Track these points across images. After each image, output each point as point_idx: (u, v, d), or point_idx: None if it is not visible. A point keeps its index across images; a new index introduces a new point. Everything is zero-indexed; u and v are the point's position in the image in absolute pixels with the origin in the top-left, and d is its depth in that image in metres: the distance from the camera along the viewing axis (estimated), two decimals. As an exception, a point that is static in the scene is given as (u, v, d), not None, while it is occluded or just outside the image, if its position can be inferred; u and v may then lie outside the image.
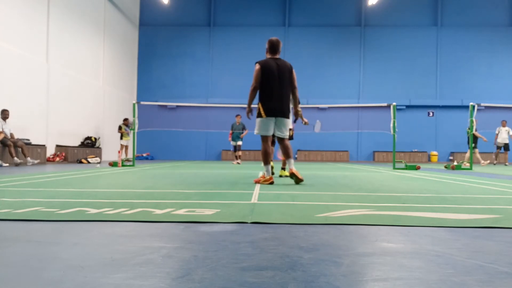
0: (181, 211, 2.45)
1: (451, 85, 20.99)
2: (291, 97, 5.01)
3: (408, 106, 20.87)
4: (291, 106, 5.16)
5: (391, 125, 9.75)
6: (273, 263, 1.36)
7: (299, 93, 6.76)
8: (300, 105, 5.59)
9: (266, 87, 4.72)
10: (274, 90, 4.70)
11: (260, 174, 5.96)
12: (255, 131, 4.88)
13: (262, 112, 4.72)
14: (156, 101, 19.24)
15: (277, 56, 4.92)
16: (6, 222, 2.10)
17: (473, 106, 9.64)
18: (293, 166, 4.78)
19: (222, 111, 19.52)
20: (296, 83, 5.00)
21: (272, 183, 4.60)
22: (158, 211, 2.45)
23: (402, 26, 21.21)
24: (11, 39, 11.01)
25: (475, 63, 21.00)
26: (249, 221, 2.15)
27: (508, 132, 15.04)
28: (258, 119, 4.79)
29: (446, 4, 21.23)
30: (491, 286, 1.16)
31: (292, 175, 4.67)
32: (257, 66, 4.77)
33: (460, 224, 2.15)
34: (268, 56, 4.92)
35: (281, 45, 4.96)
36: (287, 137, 4.92)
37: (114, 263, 1.35)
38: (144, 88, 21.33)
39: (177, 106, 20.34)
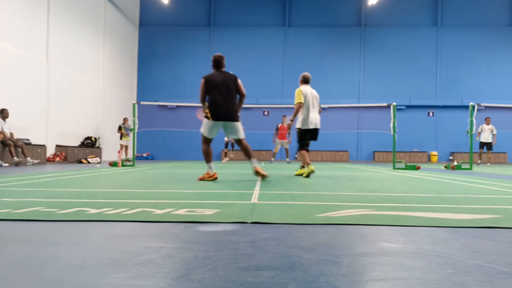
0: (181, 211, 2.45)
1: (451, 85, 20.99)
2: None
3: (408, 106, 20.86)
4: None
5: (391, 125, 9.75)
6: (273, 263, 1.36)
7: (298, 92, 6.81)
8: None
9: (213, 96, 5.26)
10: (220, 98, 5.25)
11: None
12: (201, 129, 5.40)
13: (209, 116, 5.30)
14: (156, 101, 19.24)
15: (222, 70, 5.47)
16: (6, 222, 2.10)
17: (473, 106, 9.65)
18: (257, 164, 5.32)
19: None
20: (244, 90, 5.46)
21: (215, 179, 5.08)
22: (158, 211, 2.45)
23: (402, 26, 21.21)
24: (11, 39, 11.01)
25: (475, 63, 21.00)
26: (249, 221, 2.15)
27: (492, 131, 14.41)
28: (205, 120, 5.36)
29: (446, 4, 21.23)
30: (491, 286, 1.16)
31: (257, 173, 5.24)
32: (202, 80, 5.35)
33: (460, 224, 2.15)
34: (213, 70, 5.46)
35: (224, 60, 5.50)
36: (242, 137, 5.41)
37: (114, 263, 1.35)
38: (144, 88, 21.32)
39: (177, 106, 20.34)
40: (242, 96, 5.46)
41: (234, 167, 10.04)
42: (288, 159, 14.47)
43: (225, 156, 15.56)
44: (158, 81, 21.28)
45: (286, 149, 14.76)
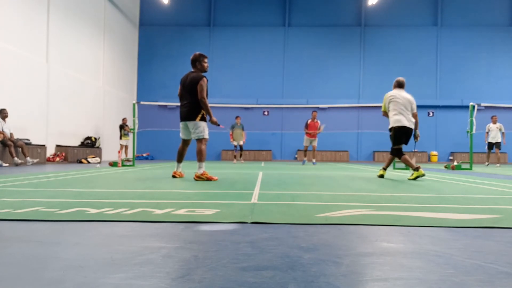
0: (181, 211, 2.46)
1: (451, 85, 20.99)
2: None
3: (408, 106, 20.84)
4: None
5: (391, 125, 9.72)
6: (273, 263, 1.36)
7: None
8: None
9: (179, 97, 5.52)
10: (181, 99, 5.46)
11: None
12: None
13: None
14: (156, 101, 19.23)
15: (193, 70, 5.46)
16: (6, 222, 2.10)
17: (473, 106, 9.65)
18: (200, 170, 5.19)
19: (222, 111, 19.52)
20: (202, 94, 5.25)
21: (174, 177, 5.54)
22: (158, 211, 2.45)
23: (402, 26, 21.21)
24: (11, 39, 11.01)
25: (475, 63, 21.00)
26: (249, 221, 2.15)
27: (500, 129, 13.70)
28: None
29: (446, 4, 21.23)
30: (491, 286, 1.16)
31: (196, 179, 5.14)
32: None
33: (460, 224, 2.15)
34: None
35: (200, 59, 5.40)
36: (200, 138, 5.39)
37: (114, 263, 1.35)
38: (144, 88, 21.32)
39: (177, 106, 20.29)
40: (199, 98, 5.21)
41: (235, 167, 10.04)
42: (314, 160, 13.40)
43: (235, 158, 15.52)
44: (158, 81, 21.28)
45: (314, 147, 13.35)
